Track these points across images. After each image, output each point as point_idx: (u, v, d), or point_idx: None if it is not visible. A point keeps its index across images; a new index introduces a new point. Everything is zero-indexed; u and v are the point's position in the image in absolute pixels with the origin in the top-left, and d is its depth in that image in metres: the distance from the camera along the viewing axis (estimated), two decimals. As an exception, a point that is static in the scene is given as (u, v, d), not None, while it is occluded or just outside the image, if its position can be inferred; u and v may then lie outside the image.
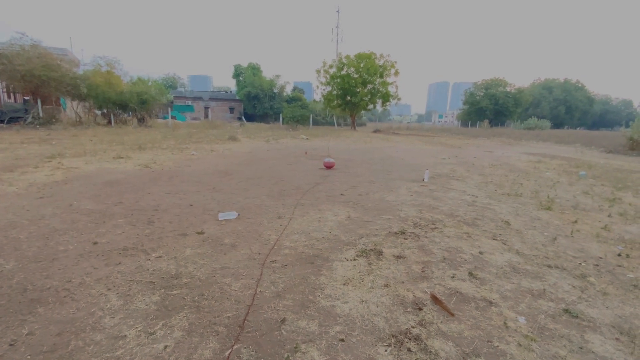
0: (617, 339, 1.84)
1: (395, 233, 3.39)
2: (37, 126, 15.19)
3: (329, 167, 7.44)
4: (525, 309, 2.10)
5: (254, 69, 51.54)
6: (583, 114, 67.01)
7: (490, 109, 50.14)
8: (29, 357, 1.60)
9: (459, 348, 1.71)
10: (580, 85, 64.87)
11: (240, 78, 52.26)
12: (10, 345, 1.68)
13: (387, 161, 9.32)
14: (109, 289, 2.21)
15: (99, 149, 9.04)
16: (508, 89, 49.54)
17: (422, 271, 2.56)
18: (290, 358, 1.59)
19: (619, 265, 2.84)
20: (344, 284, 2.34)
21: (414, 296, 2.20)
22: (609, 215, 4.42)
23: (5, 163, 6.62)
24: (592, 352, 1.72)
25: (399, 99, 28.02)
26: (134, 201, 4.34)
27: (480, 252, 2.98)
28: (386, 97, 27.50)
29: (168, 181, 5.63)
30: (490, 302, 2.16)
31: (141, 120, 20.08)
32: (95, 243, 2.95)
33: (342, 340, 1.75)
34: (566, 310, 2.09)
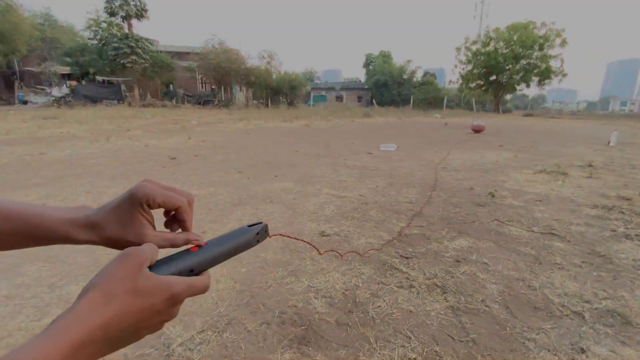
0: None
1: (581, 166, 3.10)
2: (220, 107, 19.75)
3: (477, 130, 7.05)
4: None
5: (385, 57, 51.23)
6: None
7: None
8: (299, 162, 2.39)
9: None
10: None
11: (370, 67, 52.99)
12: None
13: (551, 132, 8.04)
14: (326, 167, 2.95)
15: (268, 117, 11.18)
16: None
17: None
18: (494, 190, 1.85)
19: None
20: (526, 181, 2.40)
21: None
22: None
23: (214, 120, 9.13)
24: None
25: (564, 75, 22.73)
26: (309, 139, 5.33)
27: None
28: (546, 74, 22.64)
29: (327, 132, 6.58)
30: None
31: (290, 104, 23.23)
32: (296, 151, 3.88)
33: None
34: None
